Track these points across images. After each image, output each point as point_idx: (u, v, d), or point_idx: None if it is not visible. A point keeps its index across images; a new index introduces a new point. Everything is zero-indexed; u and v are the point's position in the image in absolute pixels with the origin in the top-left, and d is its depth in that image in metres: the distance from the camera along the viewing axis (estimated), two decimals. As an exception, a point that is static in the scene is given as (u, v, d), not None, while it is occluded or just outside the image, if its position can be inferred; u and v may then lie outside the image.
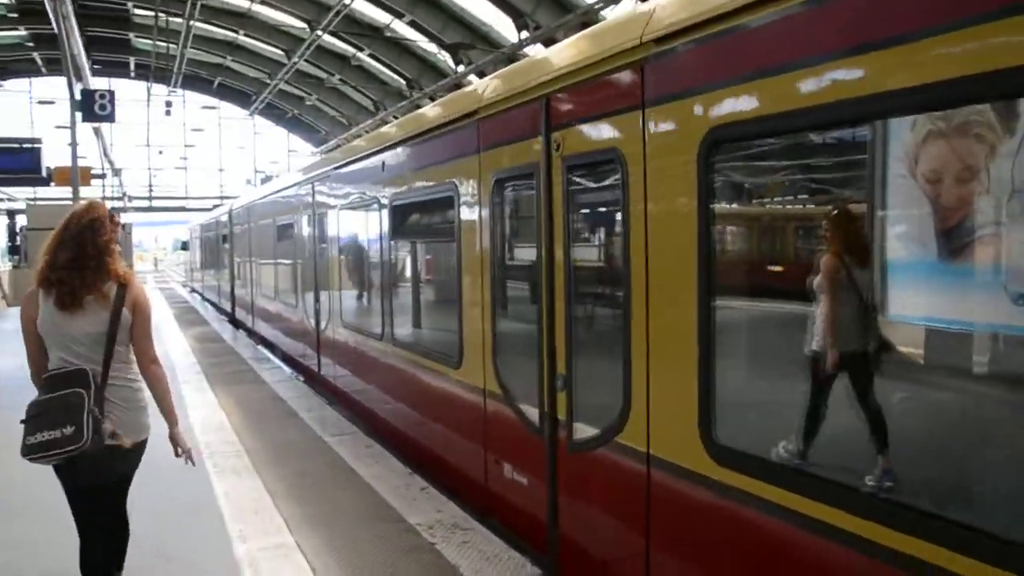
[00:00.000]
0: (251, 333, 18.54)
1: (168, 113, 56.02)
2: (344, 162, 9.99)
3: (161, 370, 4.62)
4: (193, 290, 37.00)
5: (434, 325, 8.15)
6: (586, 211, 5.32)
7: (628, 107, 4.42)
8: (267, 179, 63.93)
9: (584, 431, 5.03)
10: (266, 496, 6.73)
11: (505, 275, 6.23)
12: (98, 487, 4.33)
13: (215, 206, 62.06)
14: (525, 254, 5.93)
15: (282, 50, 49.91)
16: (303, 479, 7.21)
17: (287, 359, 14.45)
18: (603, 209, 5.19)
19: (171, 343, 16.94)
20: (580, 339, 5.16)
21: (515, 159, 5.76)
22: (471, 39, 42.05)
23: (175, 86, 55.37)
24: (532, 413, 5.57)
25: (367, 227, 9.36)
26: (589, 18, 39.22)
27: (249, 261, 18.32)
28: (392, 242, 8.44)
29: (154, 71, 52.83)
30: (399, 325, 8.42)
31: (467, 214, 6.52)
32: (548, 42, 40.65)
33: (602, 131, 4.75)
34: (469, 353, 6.53)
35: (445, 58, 45.88)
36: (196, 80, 60.43)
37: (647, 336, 4.32)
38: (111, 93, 17.93)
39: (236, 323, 21.31)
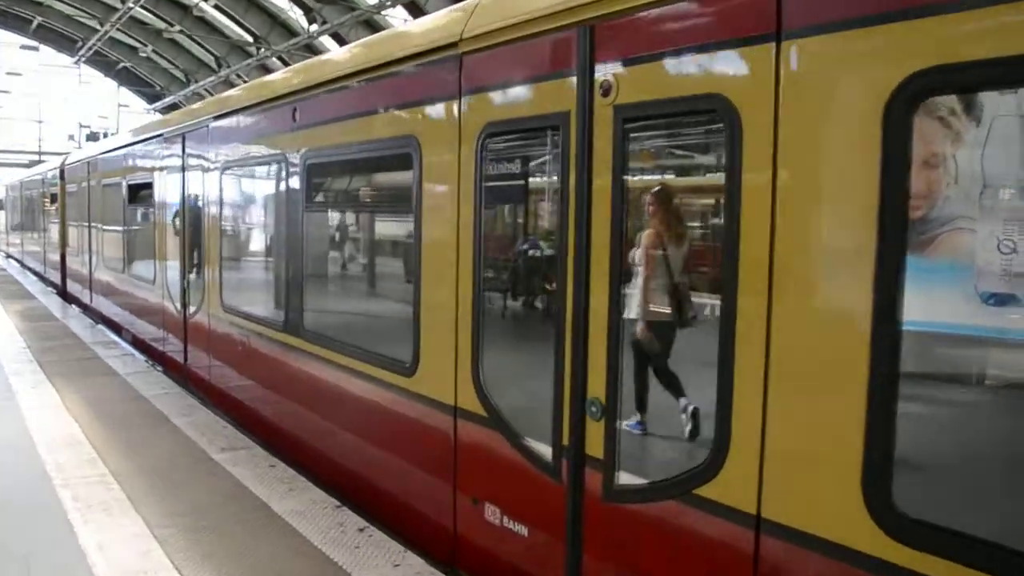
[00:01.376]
0: (87, 309, 15.96)
1: (34, 46, 49.50)
2: (232, 109, 8.11)
3: None
4: (9, 256, 32.69)
5: (372, 317, 6.57)
6: (652, 176, 3.94)
7: (752, 37, 3.10)
8: (93, 135, 58.36)
9: (635, 476, 3.72)
10: (156, 548, 4.99)
11: (494, 256, 4.79)
12: None
13: (33, 162, 56.19)
14: (527, 228, 4.52)
15: (115, -7, 45.05)
16: (200, 518, 5.49)
17: (137, 343, 12.25)
18: (690, 176, 3.84)
19: (-8, 322, 14.25)
20: (632, 352, 3.85)
21: (523, 107, 4.33)
22: (328, -4, 39.40)
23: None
24: (540, 446, 4.20)
25: (268, 191, 7.61)
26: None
27: (88, 226, 15.69)
28: (309, 210, 6.74)
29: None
30: (313, 313, 6.75)
31: (434, 176, 5.00)
32: (410, 6, 38.77)
33: (693, 69, 3.38)
34: (430, 357, 5.05)
35: (297, 16, 42.88)
36: (10, 17, 53.89)
37: (767, 349, 3.05)
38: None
39: (67, 297, 18.48)
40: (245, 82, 52.51)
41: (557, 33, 4.07)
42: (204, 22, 48.63)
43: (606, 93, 3.78)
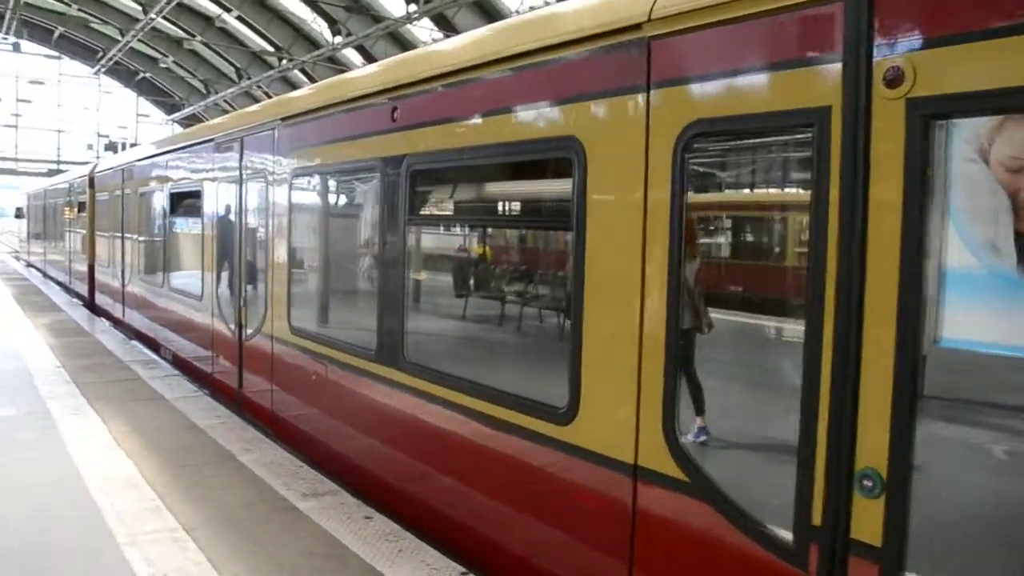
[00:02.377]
0: (119, 324, 14.98)
1: (17, 48, 48.77)
2: (306, 110, 7.16)
3: None
4: (30, 264, 31.76)
5: (501, 348, 5.58)
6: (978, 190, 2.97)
7: None
8: (112, 145, 57.60)
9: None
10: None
11: (699, 279, 3.83)
12: None
13: (52, 171, 55.37)
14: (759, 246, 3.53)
15: (138, 3, 44.36)
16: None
17: (179, 362, 11.26)
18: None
19: (21, 336, 13.24)
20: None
21: (750, 102, 3.38)
22: (349, 8, 38.66)
23: (8, 32, 48.47)
24: (772, 524, 3.25)
25: (355, 201, 6.68)
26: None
27: (121, 237, 14.73)
28: (413, 223, 5.77)
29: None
30: (418, 340, 5.76)
31: (606, 184, 4.04)
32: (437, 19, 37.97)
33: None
34: (597, 401, 4.07)
35: (321, 28, 42.13)
36: (34, 28, 53.18)
37: None
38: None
39: (96, 309, 17.51)
40: (267, 94, 51.80)
41: (808, 8, 3.13)
42: (225, 33, 47.94)
43: (893, 81, 2.83)
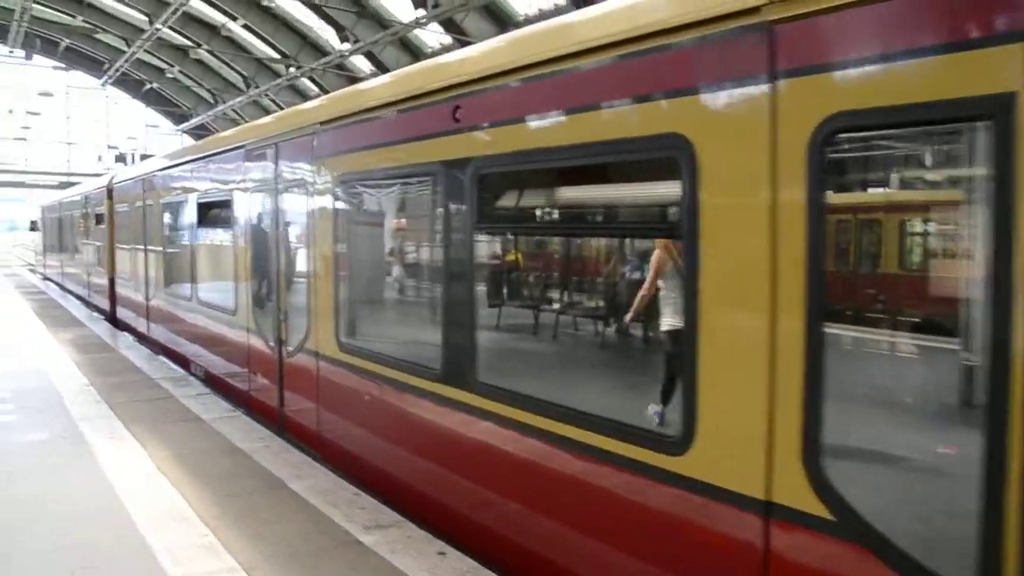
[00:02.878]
0: (143, 339, 14.56)
1: (29, 57, 48.51)
2: (350, 112, 6.72)
3: None
4: (47, 278, 31.41)
5: (590, 366, 5.13)
6: None
7: None
8: (121, 157, 57.31)
9: None
10: None
11: (841, 283, 3.39)
12: None
13: (62, 183, 55.07)
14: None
15: (144, 13, 44.05)
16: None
17: (211, 379, 10.83)
18: None
19: (47, 353, 12.83)
20: None
21: (911, 90, 2.95)
22: (357, 14, 38.28)
23: (15, 45, 48.20)
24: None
25: (410, 208, 6.24)
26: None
27: (143, 249, 14.32)
28: (482, 230, 5.34)
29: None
30: (490, 359, 5.31)
31: (722, 185, 3.61)
32: (446, 23, 37.50)
33: None
34: (718, 425, 3.64)
35: (328, 35, 41.74)
36: (39, 40, 52.86)
37: None
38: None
39: (117, 324, 17.11)
40: (275, 102, 51.30)
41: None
42: (232, 42, 47.60)
43: None
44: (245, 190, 9.12)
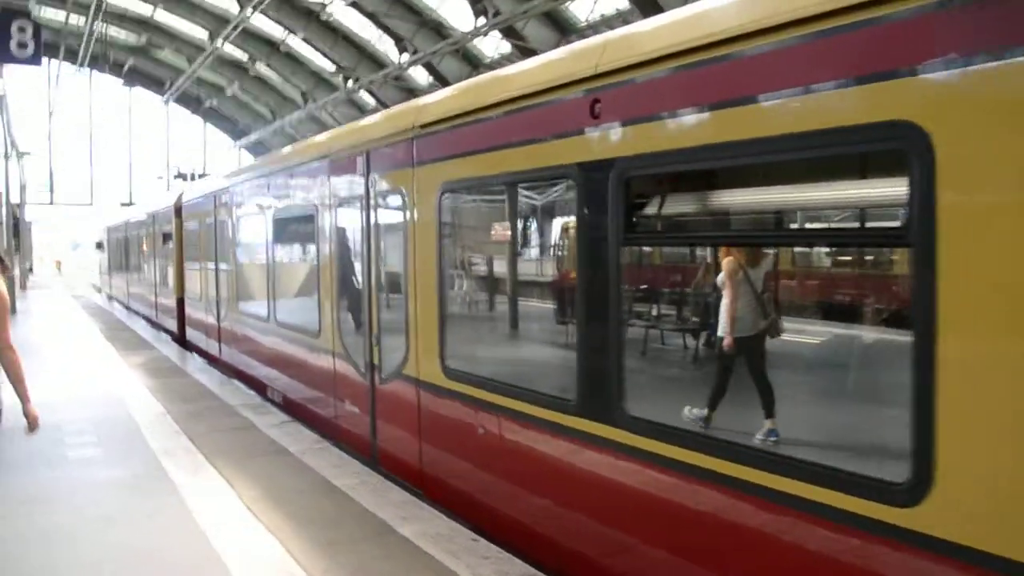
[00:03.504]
0: (215, 362, 14.11)
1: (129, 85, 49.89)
2: (458, 113, 6.03)
3: (15, 355, 5.25)
4: (111, 297, 31.57)
5: (790, 406, 4.36)
6: None
7: None
8: (181, 175, 58.11)
9: None
10: None
11: None
12: None
13: (124, 203, 56.01)
14: None
15: (206, 30, 44.54)
16: None
17: (290, 404, 10.25)
18: None
19: (120, 377, 12.43)
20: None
21: None
22: (416, 25, 38.04)
23: (81, 65, 49.13)
24: None
25: (535, 217, 5.54)
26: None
27: (214, 268, 13.88)
28: (634, 240, 4.59)
29: (63, 49, 46.25)
30: (646, 389, 4.55)
31: (979, 180, 2.83)
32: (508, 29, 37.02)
33: None
34: (965, 472, 2.84)
35: (386, 47, 41.61)
36: (103, 61, 53.89)
37: None
38: (36, 25, 13.10)
39: (186, 345, 16.76)
40: (332, 117, 51.52)
41: None
42: (291, 57, 47.82)
43: None
44: (330, 203, 8.50)
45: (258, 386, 11.46)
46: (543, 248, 5.62)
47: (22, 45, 12.70)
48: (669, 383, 4.87)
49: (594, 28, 32.32)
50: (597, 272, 4.69)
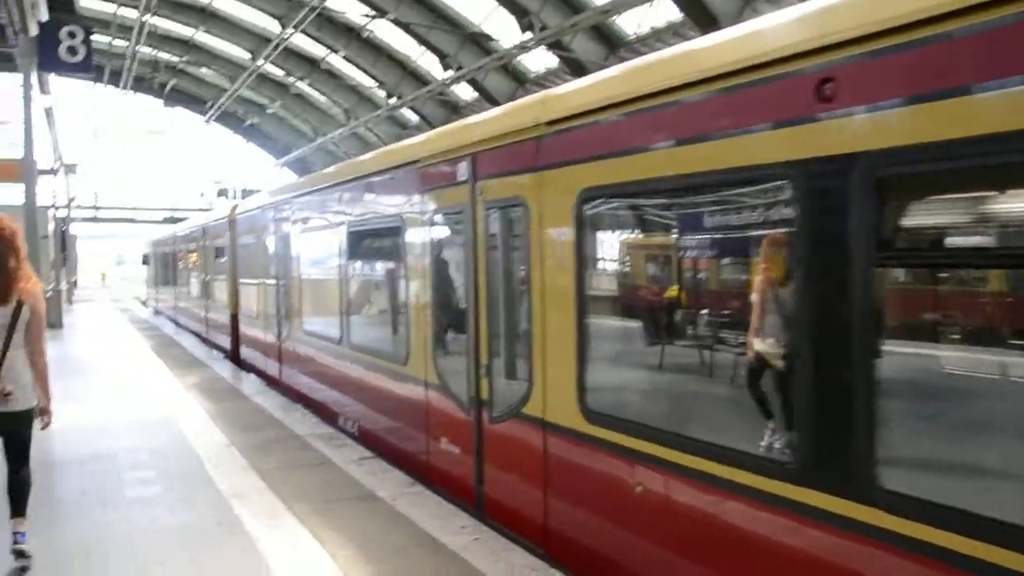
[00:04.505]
0: (274, 383, 13.05)
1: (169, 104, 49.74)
2: (607, 105, 4.90)
3: (45, 362, 5.52)
4: (158, 312, 30.82)
5: None
6: None
7: None
8: (223, 191, 57.71)
9: None
10: None
11: None
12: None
13: (167, 218, 55.68)
14: None
15: (247, 50, 44.04)
16: None
17: (366, 435, 9.14)
18: None
19: (175, 399, 11.39)
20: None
21: None
22: (460, 41, 37.18)
23: (126, 87, 48.94)
24: None
25: (726, 231, 4.37)
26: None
27: (275, 284, 12.85)
28: (894, 258, 3.45)
29: (108, 71, 45.99)
30: (924, 456, 3.38)
31: None
32: (553, 43, 36.00)
33: None
34: None
35: (428, 64, 40.80)
36: (146, 82, 53.65)
37: None
38: (86, 30, 12.25)
39: (240, 363, 15.76)
40: (375, 135, 50.94)
41: None
42: (331, 75, 47.15)
43: None
44: (422, 214, 7.40)
45: (326, 413, 10.35)
46: (729, 262, 4.47)
47: (72, 51, 11.83)
48: (944, 444, 3.67)
49: (643, 42, 31.23)
50: (830, 297, 3.54)
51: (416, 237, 7.54)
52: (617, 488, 4.90)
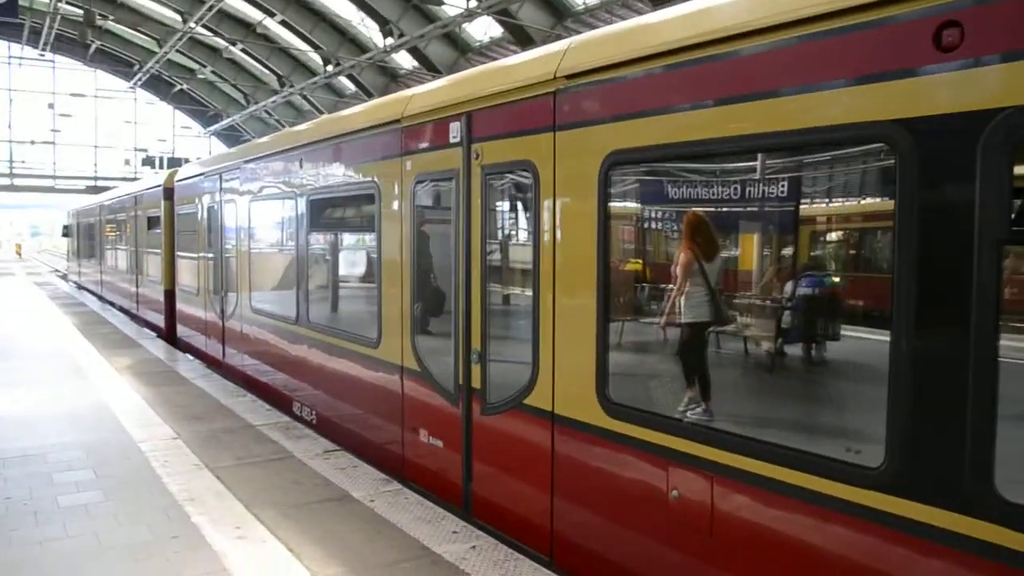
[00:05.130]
0: (216, 365, 12.06)
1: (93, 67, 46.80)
2: (651, 54, 4.21)
3: None
4: (81, 287, 29.04)
5: None
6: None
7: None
8: (150, 160, 55.11)
9: None
10: None
11: None
12: None
13: (90, 187, 52.83)
14: None
15: (177, 12, 41.88)
16: None
17: (322, 422, 8.34)
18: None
19: (108, 385, 10.27)
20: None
21: None
22: (403, 7, 35.93)
23: (45, 47, 46.17)
24: None
25: (774, 199, 3.76)
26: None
27: (218, 258, 11.84)
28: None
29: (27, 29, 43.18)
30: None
31: None
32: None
33: None
34: None
35: (369, 30, 39.42)
36: (67, 42, 50.73)
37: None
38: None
39: (176, 342, 14.67)
40: (309, 103, 49.25)
41: None
42: (267, 40, 45.24)
43: None
44: (403, 179, 6.59)
45: (278, 398, 9.48)
46: (800, 235, 3.85)
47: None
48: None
49: (592, 12, 30.57)
50: (938, 278, 2.96)
51: (393, 205, 6.73)
52: (646, 493, 4.27)
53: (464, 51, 36.83)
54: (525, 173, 5.12)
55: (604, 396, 4.54)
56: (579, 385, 4.71)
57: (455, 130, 5.80)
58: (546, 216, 4.93)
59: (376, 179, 7.01)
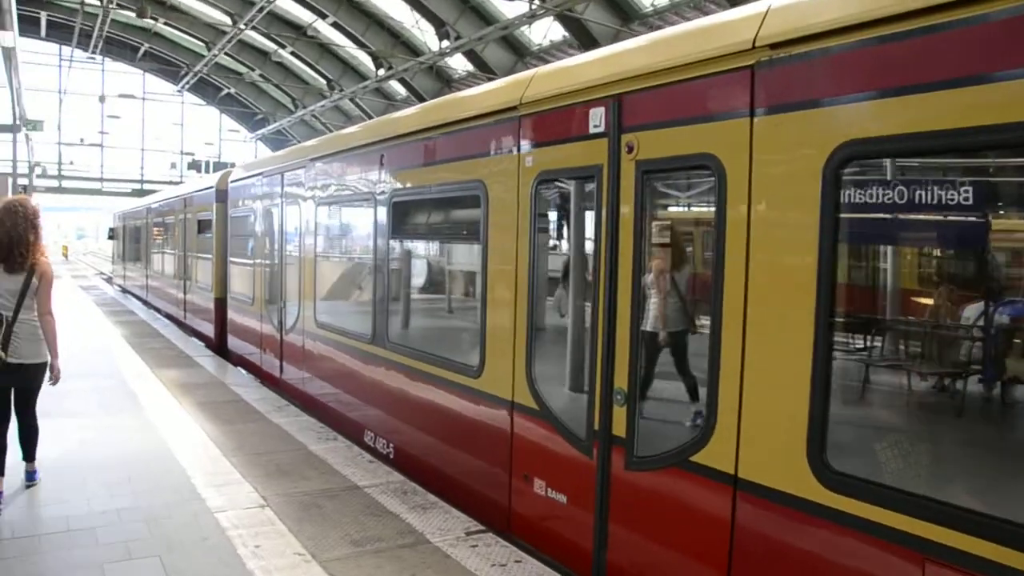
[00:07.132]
0: (275, 383, 11.15)
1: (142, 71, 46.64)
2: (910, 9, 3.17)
3: (53, 320, 6.19)
4: (125, 290, 28.60)
5: None
6: None
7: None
8: (196, 163, 55.16)
9: None
10: None
11: None
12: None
13: (135, 190, 53.00)
14: None
15: (227, 13, 41.65)
16: None
17: (404, 460, 7.35)
18: None
19: (169, 423, 9.05)
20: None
21: None
22: (460, 8, 35.19)
23: (95, 51, 46.33)
24: None
25: None
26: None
27: (278, 265, 10.97)
28: None
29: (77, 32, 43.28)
30: None
31: None
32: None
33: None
34: None
35: (422, 33, 38.77)
36: (117, 45, 50.98)
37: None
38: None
39: (227, 355, 13.83)
40: (360, 108, 48.88)
41: None
42: (317, 44, 44.88)
43: None
44: (520, 177, 5.60)
45: (347, 425, 8.53)
46: None
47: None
48: None
49: (660, 15, 29.51)
50: None
51: (506, 209, 5.74)
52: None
53: (522, 54, 36.01)
54: (704, 170, 4.09)
55: (820, 459, 3.49)
56: (778, 444, 3.66)
57: (597, 117, 4.80)
58: (734, 224, 3.89)
59: (482, 178, 6.03)
